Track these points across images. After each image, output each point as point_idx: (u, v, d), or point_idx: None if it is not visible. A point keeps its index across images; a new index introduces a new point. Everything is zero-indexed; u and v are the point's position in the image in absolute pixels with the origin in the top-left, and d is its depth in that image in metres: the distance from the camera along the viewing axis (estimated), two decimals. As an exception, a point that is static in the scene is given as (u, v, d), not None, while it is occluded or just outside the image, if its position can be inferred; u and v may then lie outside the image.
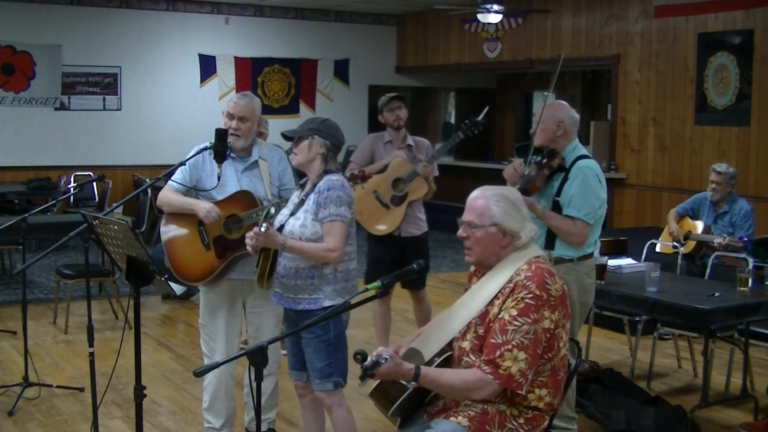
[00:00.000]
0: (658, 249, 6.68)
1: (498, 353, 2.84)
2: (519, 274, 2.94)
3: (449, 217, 5.62)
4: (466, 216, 3.07)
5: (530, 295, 2.87)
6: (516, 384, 2.85)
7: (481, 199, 3.06)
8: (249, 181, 4.26)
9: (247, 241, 3.69)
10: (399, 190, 5.64)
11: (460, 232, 3.09)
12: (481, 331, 2.97)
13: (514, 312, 2.87)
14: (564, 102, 4.44)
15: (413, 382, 2.87)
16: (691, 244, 6.48)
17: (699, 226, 6.58)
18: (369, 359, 2.75)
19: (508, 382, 2.84)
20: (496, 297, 2.97)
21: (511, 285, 2.93)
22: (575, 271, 4.22)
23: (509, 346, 2.84)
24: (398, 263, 5.49)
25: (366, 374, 2.75)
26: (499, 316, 2.90)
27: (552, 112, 4.29)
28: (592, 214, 4.17)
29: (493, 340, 2.88)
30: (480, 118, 5.59)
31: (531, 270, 2.94)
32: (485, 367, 2.86)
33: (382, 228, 5.71)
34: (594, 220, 4.19)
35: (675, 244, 6.51)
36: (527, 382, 2.87)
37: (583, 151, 4.32)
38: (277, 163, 4.33)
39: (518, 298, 2.88)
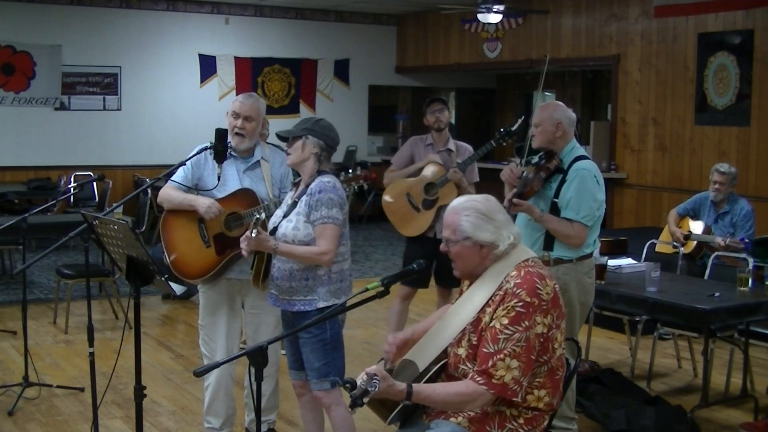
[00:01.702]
0: (658, 249, 6.66)
1: (490, 363, 2.82)
2: (508, 281, 2.92)
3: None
4: (444, 231, 3.07)
5: (521, 303, 2.85)
6: (511, 392, 2.83)
7: (451, 213, 3.04)
8: (251, 181, 4.26)
9: (242, 245, 3.70)
10: (431, 194, 5.70)
11: (442, 247, 3.09)
12: (474, 339, 2.95)
13: (506, 321, 2.85)
14: (560, 102, 4.43)
15: (406, 401, 2.84)
16: (692, 244, 6.47)
17: (699, 226, 6.56)
18: (358, 387, 2.69)
19: (503, 391, 2.82)
20: (487, 304, 2.95)
21: (501, 292, 2.91)
22: (575, 272, 4.21)
23: (501, 356, 2.82)
24: (430, 264, 5.58)
25: (356, 404, 2.70)
26: (491, 325, 2.88)
27: (549, 113, 4.27)
28: (590, 216, 4.16)
29: (485, 350, 2.86)
30: (514, 127, 5.65)
31: (521, 276, 2.91)
32: (478, 378, 2.84)
33: (410, 230, 5.78)
34: (592, 222, 4.18)
35: (675, 244, 6.50)
36: (522, 389, 2.85)
37: (581, 151, 4.30)
38: (279, 165, 4.33)
39: (509, 307, 2.86)
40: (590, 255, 4.30)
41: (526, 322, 2.84)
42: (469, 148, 5.93)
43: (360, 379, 2.72)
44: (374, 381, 2.69)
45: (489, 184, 5.85)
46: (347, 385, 2.71)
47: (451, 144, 5.85)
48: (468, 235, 2.98)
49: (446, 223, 3.06)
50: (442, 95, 15.02)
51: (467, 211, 3.01)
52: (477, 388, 2.83)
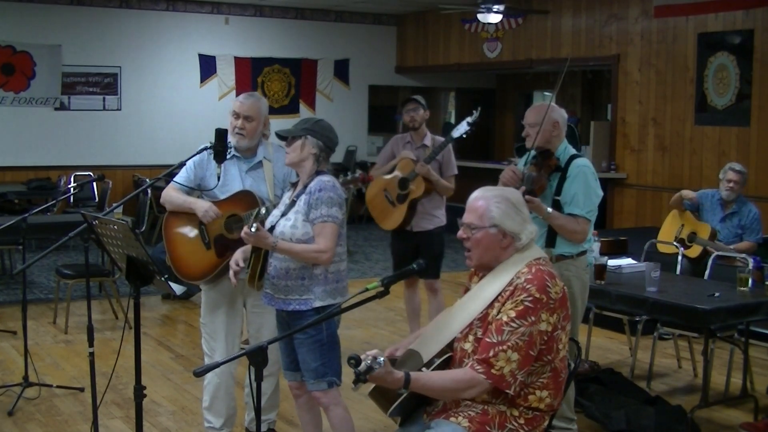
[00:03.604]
0: (663, 249, 6.61)
1: (492, 353, 2.84)
2: (519, 277, 2.94)
3: (449, 216, 5.74)
4: (467, 217, 3.06)
5: (530, 298, 2.87)
6: (505, 384, 2.85)
7: (481, 200, 3.05)
8: (253, 181, 4.26)
9: (236, 252, 3.71)
10: (404, 189, 5.88)
11: (461, 234, 3.09)
12: (480, 333, 2.96)
13: (513, 314, 2.86)
14: (553, 103, 4.48)
15: (404, 390, 2.85)
16: (697, 249, 6.43)
17: (707, 229, 6.48)
18: (363, 364, 2.73)
19: (499, 381, 2.84)
20: (496, 300, 2.96)
21: (511, 288, 2.93)
22: (575, 267, 4.29)
23: (504, 347, 2.83)
24: (416, 256, 5.77)
25: (359, 379, 2.73)
26: (497, 317, 2.90)
27: (547, 113, 4.31)
28: (593, 212, 4.27)
29: (488, 340, 2.87)
30: (471, 119, 5.73)
31: (531, 273, 2.93)
32: (478, 366, 2.86)
33: (387, 224, 6.04)
34: (593, 217, 4.28)
35: (676, 244, 6.46)
36: (516, 382, 2.86)
37: (573, 150, 4.39)
38: (282, 165, 4.32)
39: (517, 301, 2.88)
40: (586, 251, 4.39)
41: (532, 318, 2.85)
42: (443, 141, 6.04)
43: (364, 360, 2.75)
44: (379, 360, 2.73)
45: (488, 184, 5.85)
46: (351, 361, 2.72)
47: (428, 140, 6.01)
48: (496, 222, 3.00)
49: (472, 209, 3.05)
50: (442, 95, 15.06)
51: (498, 199, 3.03)
52: (475, 375, 2.85)
